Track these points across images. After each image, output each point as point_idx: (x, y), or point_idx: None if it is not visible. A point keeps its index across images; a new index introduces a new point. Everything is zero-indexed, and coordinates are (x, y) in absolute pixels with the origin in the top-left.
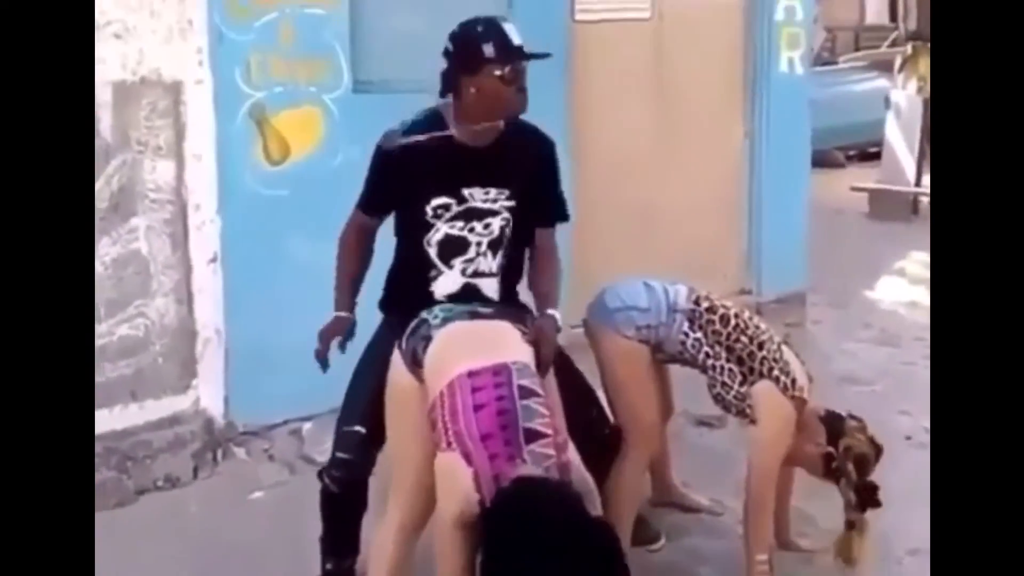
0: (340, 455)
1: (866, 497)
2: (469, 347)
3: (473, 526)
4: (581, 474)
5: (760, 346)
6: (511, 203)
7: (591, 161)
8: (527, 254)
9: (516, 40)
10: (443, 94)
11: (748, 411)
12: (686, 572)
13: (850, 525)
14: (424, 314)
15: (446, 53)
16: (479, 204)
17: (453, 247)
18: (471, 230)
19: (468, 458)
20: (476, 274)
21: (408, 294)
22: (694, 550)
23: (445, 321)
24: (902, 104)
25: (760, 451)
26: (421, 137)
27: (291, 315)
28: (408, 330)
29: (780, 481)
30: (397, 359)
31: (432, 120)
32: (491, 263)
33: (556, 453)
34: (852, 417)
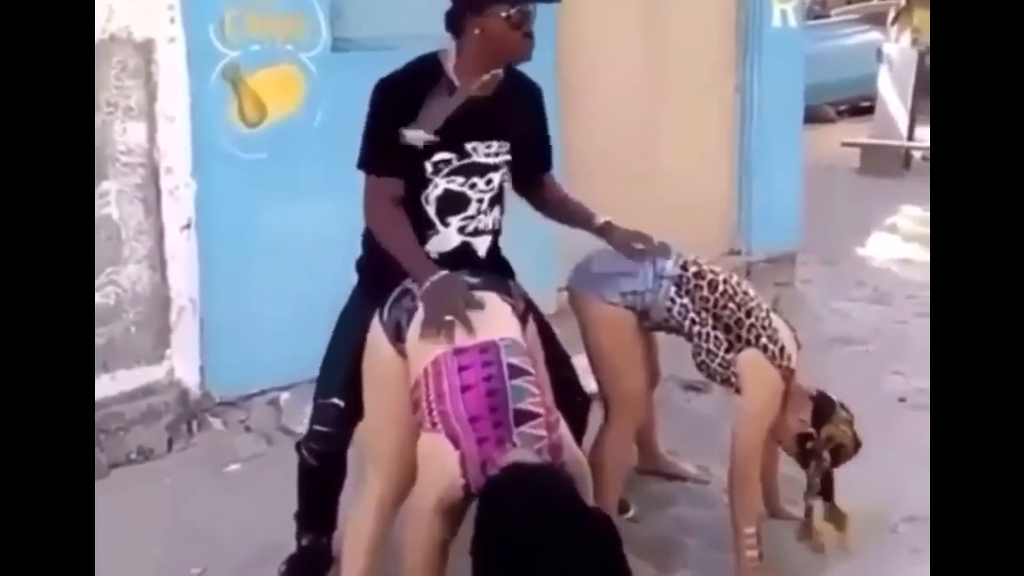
0: (318, 428)
1: (825, 487)
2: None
3: (452, 511)
4: (573, 452)
5: (748, 313)
6: (509, 157)
7: (579, 119)
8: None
9: None
10: (450, 32)
11: (733, 379)
12: (672, 543)
13: (808, 512)
14: (407, 283)
15: None
16: (481, 159)
17: (452, 204)
18: (472, 186)
19: (455, 440)
20: (475, 232)
21: None
22: (680, 520)
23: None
24: (895, 57)
25: (745, 422)
26: (420, 80)
27: (268, 282)
28: (390, 300)
29: (766, 448)
30: (377, 331)
31: (430, 67)
32: (488, 220)
33: (548, 433)
34: (843, 407)
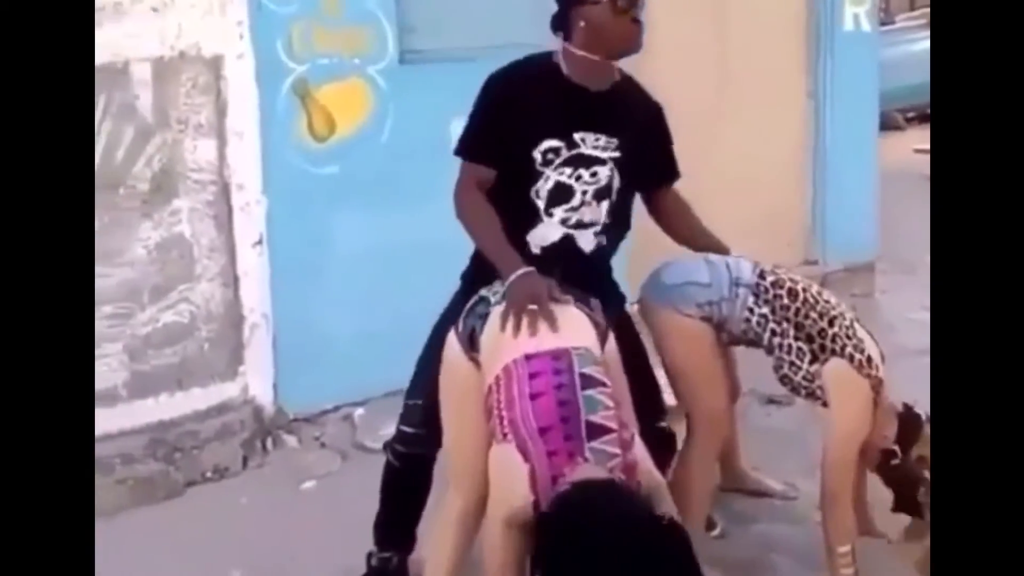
0: (404, 428)
1: (912, 504)
2: (528, 327)
3: (525, 527)
4: (650, 474)
5: (831, 322)
6: (617, 154)
7: None
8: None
9: None
10: (557, 32)
11: (819, 392)
12: (761, 562)
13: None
14: (483, 291)
15: None
16: (589, 151)
17: (559, 195)
18: (578, 178)
19: (524, 452)
20: (578, 225)
21: None
22: (768, 537)
23: (505, 298)
24: None
25: (836, 436)
26: (532, 70)
27: (341, 297)
28: (465, 310)
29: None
30: (453, 342)
31: (543, 61)
32: (593, 214)
33: (622, 451)
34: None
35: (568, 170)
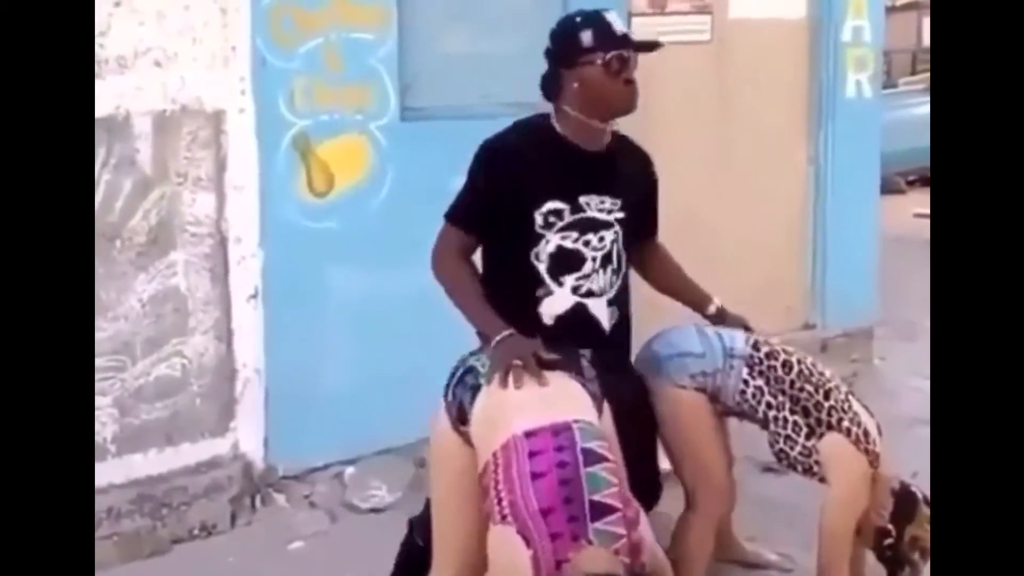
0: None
1: None
2: (524, 401)
3: None
4: (654, 553)
5: (827, 395)
6: (622, 215)
7: None
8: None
9: (619, 28)
10: (547, 97)
11: (816, 468)
12: None
13: None
14: (471, 360)
15: (547, 52)
16: (595, 214)
17: (566, 261)
18: (586, 243)
19: (526, 536)
20: (589, 293)
21: (508, 323)
22: None
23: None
24: None
25: (834, 512)
26: (528, 134)
27: (335, 354)
28: (453, 379)
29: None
30: (441, 415)
31: (540, 123)
32: (603, 281)
33: (627, 531)
34: (928, 503)
35: (573, 234)
